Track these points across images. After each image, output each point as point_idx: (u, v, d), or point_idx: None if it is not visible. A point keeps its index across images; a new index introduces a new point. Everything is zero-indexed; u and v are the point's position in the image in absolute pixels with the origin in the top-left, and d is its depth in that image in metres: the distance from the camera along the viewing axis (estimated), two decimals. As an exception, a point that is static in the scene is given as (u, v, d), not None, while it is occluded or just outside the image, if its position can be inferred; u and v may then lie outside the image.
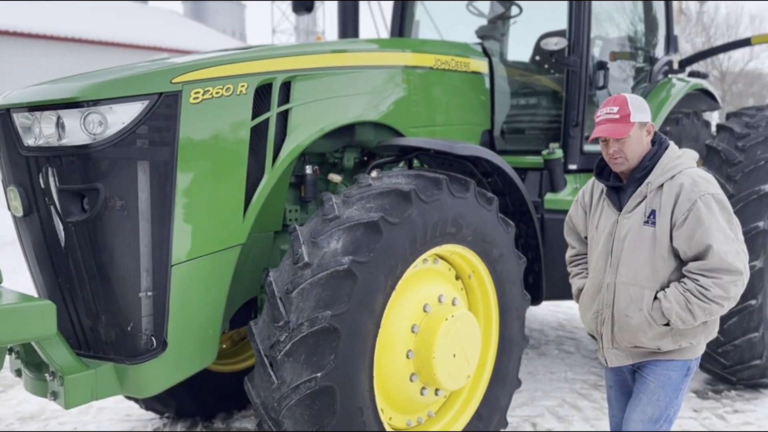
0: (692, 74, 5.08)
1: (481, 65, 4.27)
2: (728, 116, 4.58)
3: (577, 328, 5.88)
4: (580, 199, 2.67)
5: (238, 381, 2.73)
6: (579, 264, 2.69)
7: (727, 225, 2.28)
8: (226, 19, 36.56)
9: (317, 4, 39.38)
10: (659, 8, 4.86)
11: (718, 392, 4.47)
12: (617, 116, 2.34)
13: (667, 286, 2.33)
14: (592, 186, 2.62)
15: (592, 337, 2.61)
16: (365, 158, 3.72)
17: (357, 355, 2.53)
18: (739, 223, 2.37)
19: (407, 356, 2.85)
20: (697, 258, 2.27)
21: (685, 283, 2.28)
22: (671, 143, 2.45)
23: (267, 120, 2.89)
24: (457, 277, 3.27)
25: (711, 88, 5.00)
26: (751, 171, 4.05)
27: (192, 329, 2.71)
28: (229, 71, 2.72)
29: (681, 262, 2.34)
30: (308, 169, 3.29)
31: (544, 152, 4.10)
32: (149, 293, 2.59)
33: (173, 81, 2.56)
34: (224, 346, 3.99)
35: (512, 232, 3.30)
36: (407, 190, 2.73)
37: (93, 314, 2.63)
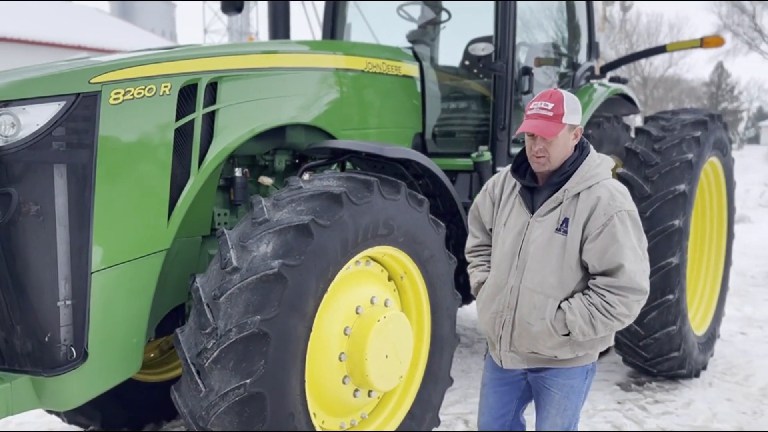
0: (613, 80, 5.30)
1: (412, 69, 4.31)
2: (646, 120, 4.80)
3: (509, 326, 6.01)
4: (489, 189, 2.55)
5: (167, 390, 2.64)
6: (480, 255, 2.59)
7: (637, 244, 2.24)
8: (156, 18, 35.46)
9: (250, 4, 38.81)
10: (582, 16, 5.05)
11: (640, 384, 4.67)
12: (551, 113, 2.22)
13: (570, 297, 2.28)
14: (504, 179, 2.50)
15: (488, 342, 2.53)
16: (297, 160, 3.69)
17: (288, 360, 2.50)
18: (646, 240, 2.33)
19: (339, 359, 2.84)
20: (606, 274, 2.22)
21: (590, 297, 2.23)
22: (592, 149, 2.38)
23: (192, 121, 2.81)
24: (390, 278, 3.29)
25: (631, 93, 5.22)
26: (667, 172, 4.25)
27: (114, 339, 2.61)
28: (151, 71, 2.63)
29: (586, 274, 2.29)
30: (237, 172, 3.23)
31: (473, 155, 4.19)
32: (68, 302, 2.47)
33: (92, 81, 2.46)
34: (152, 355, 3.86)
35: (443, 233, 3.34)
36: (338, 192, 2.72)
37: (8, 325, 2.49)
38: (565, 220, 2.26)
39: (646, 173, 4.31)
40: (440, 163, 4.15)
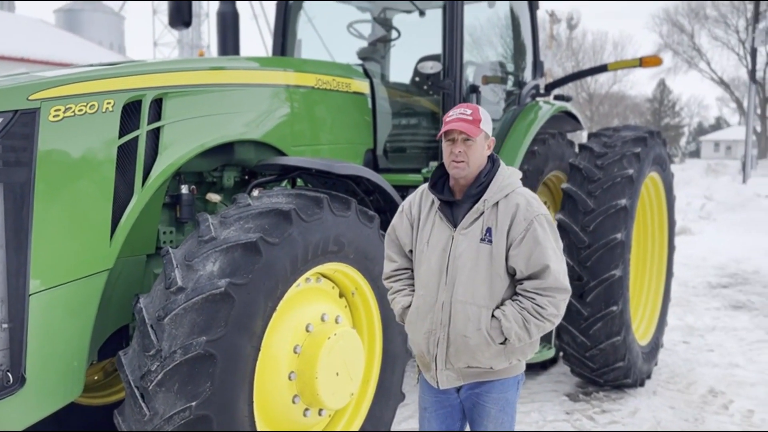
0: (557, 97, 5.45)
1: (362, 86, 4.34)
2: (589, 136, 4.96)
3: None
4: (406, 210, 2.54)
5: (111, 414, 2.56)
6: (400, 279, 2.55)
7: (556, 245, 2.33)
8: (104, 30, 34.69)
9: (201, 17, 38.27)
10: (527, 36, 5.19)
11: (587, 394, 4.77)
12: (470, 118, 2.32)
13: (501, 304, 2.32)
14: (421, 198, 2.51)
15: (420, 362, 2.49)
16: (246, 177, 3.66)
17: (235, 381, 2.46)
18: (561, 242, 2.40)
19: (289, 378, 2.80)
20: (533, 277, 2.28)
21: (521, 302, 2.28)
22: (502, 162, 2.46)
23: (136, 138, 2.76)
24: (341, 295, 3.28)
25: (574, 111, 5.39)
26: (609, 187, 4.39)
27: (54, 363, 2.52)
28: (93, 87, 2.57)
29: (513, 280, 2.34)
30: (184, 189, 3.18)
31: (424, 170, 4.23)
32: (4, 325, 2.38)
33: (30, 98, 2.39)
34: (95, 377, 3.74)
35: (394, 248, 3.36)
36: (287, 209, 2.70)
37: (-61, 350, 2.38)
38: (488, 230, 2.31)
39: (589, 188, 4.44)
40: (391, 178, 4.19)
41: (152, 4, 39.49)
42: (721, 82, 53.02)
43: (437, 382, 2.41)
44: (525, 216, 2.28)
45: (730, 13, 49.86)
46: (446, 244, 2.37)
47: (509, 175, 2.40)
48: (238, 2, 4.76)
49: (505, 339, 2.29)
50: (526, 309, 2.26)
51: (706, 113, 75.45)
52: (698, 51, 52.29)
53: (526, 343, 2.33)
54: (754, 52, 29.92)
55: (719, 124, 74.77)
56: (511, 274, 2.33)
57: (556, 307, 2.28)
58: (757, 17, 31.10)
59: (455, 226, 2.36)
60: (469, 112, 2.35)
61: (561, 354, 4.77)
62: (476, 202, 2.35)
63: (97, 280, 2.62)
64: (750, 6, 41.30)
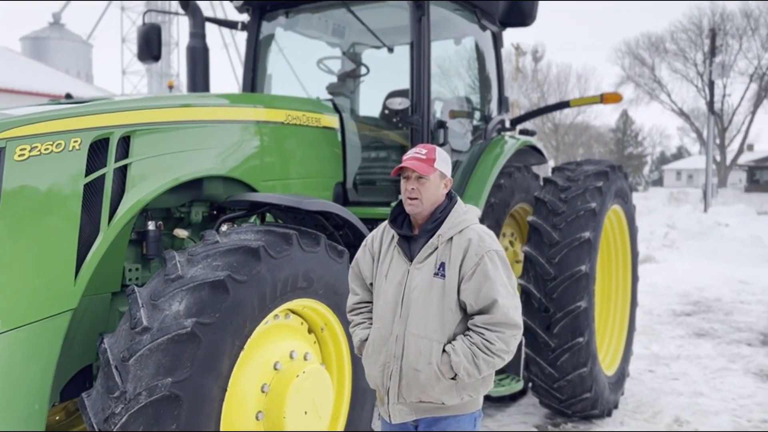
0: (522, 132, 5.58)
1: (332, 120, 4.39)
2: (553, 170, 5.08)
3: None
4: (369, 244, 2.61)
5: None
6: (362, 312, 2.61)
7: (508, 281, 2.36)
8: (71, 58, 34.32)
9: (171, 46, 38.16)
10: (492, 72, 5.32)
11: (556, 425, 4.80)
12: (424, 157, 2.42)
13: (453, 339, 2.35)
14: (383, 232, 2.59)
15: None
16: (215, 212, 3.65)
17: (201, 423, 2.42)
18: (515, 278, 2.45)
19: (257, 418, 2.77)
20: (482, 312, 2.32)
21: (471, 337, 2.31)
22: (459, 199, 2.54)
23: (103, 176, 2.75)
24: (310, 331, 3.27)
25: (539, 145, 5.52)
26: (573, 220, 4.50)
27: (15, 405, 2.45)
28: (60, 126, 2.57)
29: (465, 315, 2.38)
30: (150, 225, 3.15)
31: (393, 204, 4.26)
32: (-38, 369, 2.32)
33: (-5, 137, 2.38)
34: (57, 418, 3.63)
35: (363, 283, 3.37)
36: (256, 246, 2.70)
37: None
38: (442, 264, 2.38)
39: (554, 221, 4.53)
40: (361, 211, 4.22)
41: (121, 32, 39.33)
42: (682, 113, 54.78)
43: (389, 415, 2.43)
44: (476, 251, 2.34)
45: (688, 47, 51.82)
46: (402, 278, 2.43)
47: (465, 212, 2.47)
48: (209, 30, 4.81)
49: (456, 374, 2.31)
50: (475, 344, 2.29)
51: (667, 143, 77.84)
52: (659, 83, 54.07)
53: (476, 379, 2.34)
54: (711, 85, 31.10)
55: (681, 153, 77.04)
56: (464, 308, 2.37)
57: (505, 342, 2.30)
58: (713, 51, 32.41)
59: (411, 260, 2.44)
60: (424, 152, 2.45)
61: (530, 385, 4.81)
62: (432, 237, 2.42)
63: (60, 320, 2.58)
64: (707, 41, 42.99)
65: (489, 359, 2.29)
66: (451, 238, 2.40)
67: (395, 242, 2.50)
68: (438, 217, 2.43)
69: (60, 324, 2.58)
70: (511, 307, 2.32)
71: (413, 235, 2.46)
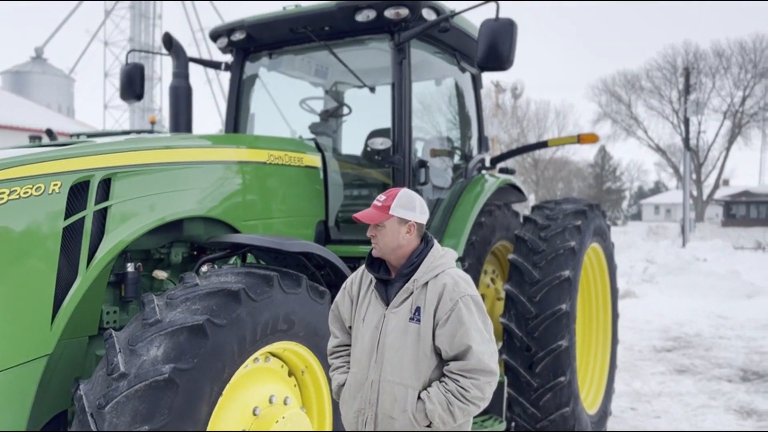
0: (502, 170, 5.66)
1: (314, 159, 4.42)
2: (533, 209, 5.14)
3: (413, 411, 5.99)
4: (348, 287, 2.61)
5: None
6: (341, 356, 2.60)
7: (483, 326, 2.34)
8: (53, 92, 34.28)
9: (153, 80, 38.24)
10: (472, 112, 5.42)
11: (540, 466, 4.75)
12: (380, 204, 2.44)
13: (429, 386, 2.31)
14: (362, 275, 2.58)
15: None
16: (195, 252, 3.63)
17: (178, 471, 2.37)
18: (491, 323, 2.41)
19: (235, 465, 2.72)
20: (457, 358, 2.29)
21: (446, 384, 2.28)
22: (436, 243, 2.53)
23: (83, 218, 2.73)
24: (290, 374, 3.24)
25: (518, 183, 5.59)
26: (553, 258, 4.54)
27: (-15, 454, 2.39)
28: (40, 170, 2.56)
29: (441, 361, 2.34)
30: (130, 267, 3.12)
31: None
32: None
33: (-26, 181, 2.36)
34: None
35: (344, 324, 3.36)
36: (236, 289, 2.69)
37: None
38: (417, 309, 2.36)
39: (534, 260, 4.57)
40: (343, 250, 4.22)
41: (104, 66, 39.44)
42: (658, 149, 55.89)
43: None
44: (451, 296, 2.32)
45: (663, 85, 53.19)
46: (378, 322, 2.42)
47: (441, 256, 2.46)
48: (192, 65, 4.84)
49: (431, 422, 2.27)
50: (450, 391, 2.26)
51: (645, 177, 79.18)
52: (635, 120, 55.24)
53: (451, 428, 2.30)
54: (687, 122, 31.85)
55: (658, 188, 78.31)
56: (439, 354, 2.34)
57: (480, 389, 2.27)
58: (688, 89, 33.25)
59: (388, 304, 2.43)
60: (383, 198, 2.47)
61: (513, 425, 4.78)
62: (407, 281, 2.41)
63: (36, 366, 2.53)
64: (681, 79, 44.15)
65: (464, 407, 2.26)
66: (427, 282, 2.38)
67: (373, 286, 2.49)
68: (414, 261, 2.43)
69: (35, 370, 2.52)
70: (485, 353, 2.29)
71: (390, 279, 2.46)
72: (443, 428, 2.28)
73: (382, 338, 2.39)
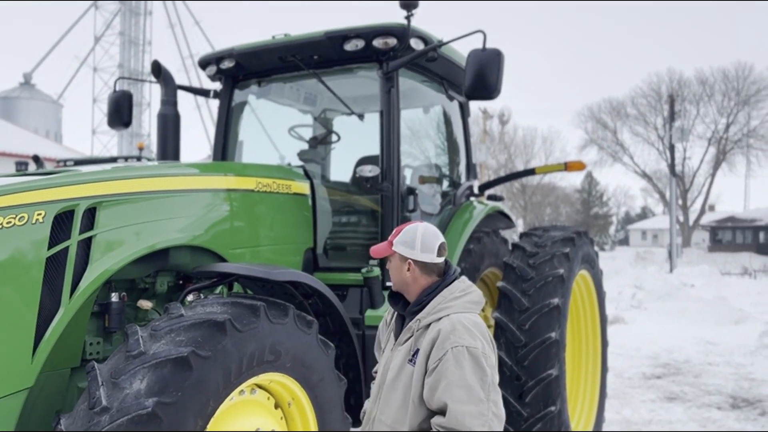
0: (490, 197, 5.68)
1: (302, 187, 4.41)
2: (521, 236, 5.15)
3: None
4: (386, 317, 2.62)
5: None
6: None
7: (477, 382, 2.12)
8: (40, 118, 34.19)
9: (142, 106, 38.31)
10: (460, 139, 5.45)
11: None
12: (388, 239, 2.47)
13: None
14: None
15: None
16: (180, 282, 3.58)
17: None
18: (495, 381, 2.20)
19: (219, 502, 2.65)
20: (438, 412, 2.14)
21: None
22: (457, 282, 2.39)
23: (67, 248, 2.69)
24: (277, 406, 3.18)
25: (506, 210, 5.61)
26: (542, 286, 4.53)
27: (-41, 493, 2.31)
28: (23, 199, 2.52)
29: (432, 413, 2.18)
30: (114, 297, 3.07)
31: (363, 270, 4.26)
32: None
33: (-44, 210, 2.32)
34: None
35: (332, 354, 3.30)
36: (222, 320, 2.64)
37: None
38: (416, 351, 2.25)
39: (523, 287, 4.57)
40: (331, 277, 4.19)
41: (92, 92, 39.47)
42: (644, 175, 56.54)
43: None
44: (443, 345, 2.17)
45: (648, 112, 54.05)
46: (388, 358, 2.38)
47: (453, 298, 2.32)
48: (181, 92, 4.85)
49: None
50: None
51: (632, 203, 79.91)
52: (621, 146, 55.97)
53: None
54: (672, 148, 32.25)
55: (645, 214, 79.00)
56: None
57: None
58: (672, 116, 33.75)
59: (396, 340, 2.39)
60: (394, 233, 2.47)
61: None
62: (413, 320, 2.35)
63: (15, 400, 2.46)
64: (666, 106, 44.88)
65: None
66: (429, 324, 2.27)
67: (394, 319, 2.49)
68: (422, 300, 2.34)
69: (14, 404, 2.46)
70: (467, 413, 2.07)
71: (403, 314, 2.41)
72: None
73: (384, 375, 2.33)
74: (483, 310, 5.39)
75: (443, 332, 2.20)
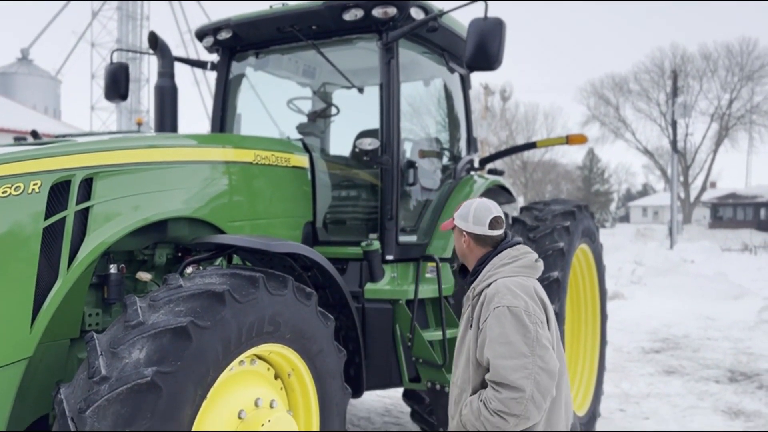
0: (491, 171, 5.64)
1: (302, 160, 4.38)
2: (521, 210, 5.13)
3: (402, 413, 5.96)
4: (469, 292, 2.78)
5: None
6: None
7: (520, 338, 2.27)
8: (39, 94, 33.95)
9: (141, 82, 38.01)
10: (461, 113, 5.40)
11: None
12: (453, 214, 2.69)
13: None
14: None
15: None
16: (179, 254, 3.57)
17: (161, 477, 2.32)
18: (540, 337, 2.31)
19: (219, 470, 2.67)
20: (488, 368, 2.35)
21: (481, 392, 2.36)
22: (508, 250, 2.55)
23: (64, 219, 2.68)
24: (277, 376, 3.19)
25: (507, 184, 5.58)
26: (542, 259, 4.50)
27: (-39, 462, 2.33)
28: (19, 169, 2.50)
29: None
30: (112, 269, 3.07)
31: (363, 244, 4.25)
32: None
33: (-49, 180, 2.30)
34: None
35: (332, 326, 3.31)
36: (220, 290, 2.64)
37: None
38: (473, 317, 2.48)
39: (524, 261, 4.55)
40: (331, 251, 4.18)
41: (91, 67, 39.16)
42: (646, 151, 56.30)
43: None
44: (487, 307, 2.39)
45: (651, 87, 53.63)
46: (460, 328, 2.62)
47: (502, 265, 2.51)
48: (180, 68, 4.80)
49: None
50: (481, 400, 2.32)
51: (633, 180, 79.77)
52: (623, 122, 55.65)
53: None
54: (674, 124, 32.07)
55: (646, 191, 78.88)
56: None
57: (503, 403, 2.24)
58: (675, 92, 33.50)
59: None
60: (456, 207, 2.72)
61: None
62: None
63: (15, 370, 2.47)
64: (669, 81, 44.52)
65: (490, 418, 2.26)
66: (481, 291, 2.48)
67: None
68: (477, 269, 2.56)
69: (14, 374, 2.47)
70: (509, 367, 2.25)
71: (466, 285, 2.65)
72: None
73: (456, 342, 2.59)
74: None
75: (488, 296, 2.41)
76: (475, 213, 2.61)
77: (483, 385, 2.39)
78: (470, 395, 2.40)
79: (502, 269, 2.48)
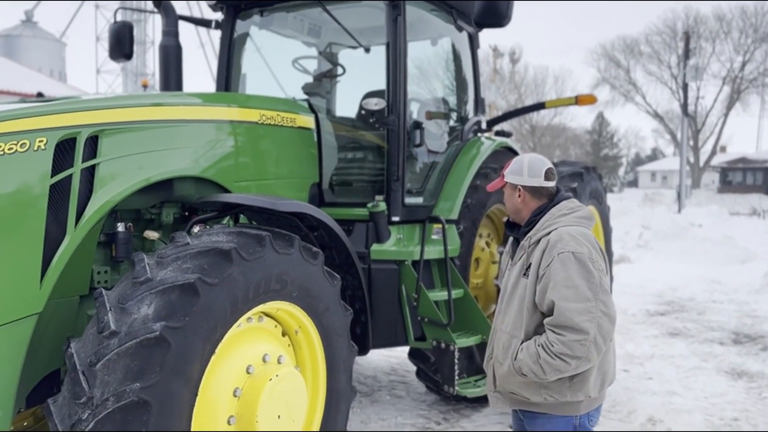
0: (498, 133, 5.59)
1: (307, 121, 4.35)
2: (530, 172, 5.08)
3: (408, 372, 6.05)
4: (507, 248, 2.84)
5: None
6: None
7: (584, 283, 2.31)
8: (44, 57, 33.74)
9: (146, 45, 37.63)
10: (468, 73, 5.32)
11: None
12: (500, 172, 2.70)
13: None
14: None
15: None
16: (186, 213, 3.59)
17: (171, 428, 2.37)
18: (603, 284, 2.37)
19: (228, 422, 2.72)
20: (548, 313, 2.38)
21: (539, 337, 2.37)
22: (565, 202, 2.59)
23: (70, 176, 2.68)
24: (284, 334, 3.23)
25: (515, 146, 5.53)
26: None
27: (-24, 412, 2.38)
28: (24, 126, 2.50)
29: (545, 316, 2.42)
30: (120, 227, 3.08)
31: (369, 205, 4.25)
32: None
33: (-44, 136, 2.31)
34: (25, 423, 3.54)
35: (338, 285, 3.34)
36: (227, 248, 2.66)
37: None
38: (529, 265, 2.50)
39: (531, 222, 4.54)
40: (337, 212, 4.19)
41: (95, 30, 38.75)
42: (656, 115, 55.61)
43: (490, 402, 2.67)
44: (551, 253, 2.41)
45: (662, 49, 52.66)
46: (507, 276, 2.66)
47: (562, 215, 2.53)
48: (186, 29, 4.76)
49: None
50: (540, 344, 2.35)
51: (642, 144, 79.08)
52: (634, 85, 54.83)
53: (545, 380, 2.37)
54: (685, 87, 31.58)
55: (655, 155, 78.20)
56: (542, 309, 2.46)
57: (567, 346, 2.28)
58: (687, 54, 32.89)
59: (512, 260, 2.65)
60: (504, 167, 2.72)
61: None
62: (524, 239, 2.60)
63: (25, 325, 2.51)
64: (681, 44, 43.69)
65: (551, 361, 2.30)
66: (539, 240, 2.49)
67: (510, 244, 2.75)
68: (532, 220, 2.58)
69: (25, 329, 2.51)
70: (574, 310, 2.28)
71: (517, 237, 2.67)
72: (536, 379, 2.39)
73: (503, 291, 2.64)
74: (489, 246, 5.43)
75: (551, 242, 2.42)
76: (529, 165, 2.63)
77: (536, 331, 2.44)
78: (524, 341, 2.43)
79: (561, 218, 2.51)
